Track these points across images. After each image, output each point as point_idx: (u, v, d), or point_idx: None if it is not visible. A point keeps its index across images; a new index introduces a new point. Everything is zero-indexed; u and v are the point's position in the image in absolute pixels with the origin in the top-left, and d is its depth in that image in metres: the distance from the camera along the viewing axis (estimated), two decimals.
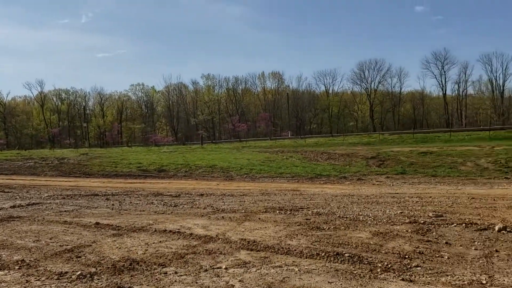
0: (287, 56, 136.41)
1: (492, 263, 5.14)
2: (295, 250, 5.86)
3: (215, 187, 15.66)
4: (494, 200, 10.66)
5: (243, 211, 9.38)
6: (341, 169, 20.96)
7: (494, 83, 79.26)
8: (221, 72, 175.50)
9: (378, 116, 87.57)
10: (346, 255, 5.54)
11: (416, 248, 5.86)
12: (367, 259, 5.38)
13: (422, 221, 7.70)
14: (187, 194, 13.27)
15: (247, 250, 5.92)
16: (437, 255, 5.50)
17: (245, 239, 6.51)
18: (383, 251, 5.73)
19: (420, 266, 5.04)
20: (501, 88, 78.82)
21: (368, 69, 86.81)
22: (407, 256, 5.46)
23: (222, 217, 8.65)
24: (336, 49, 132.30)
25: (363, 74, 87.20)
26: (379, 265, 5.13)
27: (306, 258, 5.52)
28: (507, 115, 74.45)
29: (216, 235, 6.83)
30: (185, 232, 7.14)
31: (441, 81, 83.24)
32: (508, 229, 6.85)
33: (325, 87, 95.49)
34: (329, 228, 7.31)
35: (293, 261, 5.36)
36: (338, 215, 8.55)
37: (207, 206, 10.29)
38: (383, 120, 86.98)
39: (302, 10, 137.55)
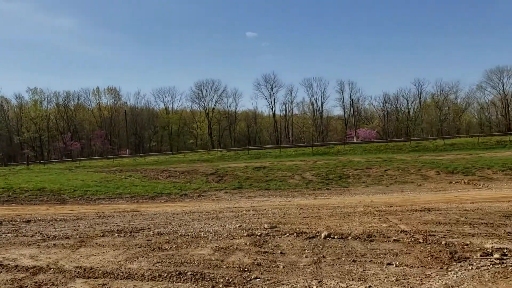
0: (124, 72, 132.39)
1: (321, 269, 5.69)
2: (136, 273, 5.66)
3: (44, 212, 14.22)
4: (319, 209, 11.84)
5: (77, 236, 8.71)
6: (182, 187, 21.00)
7: (315, 105, 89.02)
8: (51, 86, 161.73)
9: (216, 133, 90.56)
10: (189, 273, 5.55)
11: (255, 260, 6.17)
12: (209, 275, 5.47)
13: (259, 233, 8.14)
14: (11, 221, 11.79)
15: (83, 278, 5.52)
16: (274, 265, 5.88)
17: (81, 267, 6.05)
18: (224, 266, 5.90)
19: (259, 278, 5.32)
20: (320, 109, 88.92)
21: (206, 88, 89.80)
22: (246, 269, 5.71)
23: (54, 244, 7.91)
24: (174, 68, 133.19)
25: (201, 93, 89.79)
26: (221, 280, 5.26)
27: (148, 280, 5.38)
28: (325, 133, 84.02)
29: (47, 265, 6.21)
30: (9, 264, 6.33)
31: (271, 102, 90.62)
32: (332, 236, 7.68)
33: (165, 104, 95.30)
34: (171, 247, 7.24)
35: (134, 285, 5.17)
36: (180, 234, 8.53)
37: (36, 233, 9.29)
38: (221, 137, 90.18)
39: (137, 27, 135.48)
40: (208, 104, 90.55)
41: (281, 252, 6.62)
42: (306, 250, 6.72)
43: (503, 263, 5.65)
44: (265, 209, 12.32)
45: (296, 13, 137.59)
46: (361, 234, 7.76)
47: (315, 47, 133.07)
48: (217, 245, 7.24)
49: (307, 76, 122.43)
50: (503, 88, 78.96)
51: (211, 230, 8.73)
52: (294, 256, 6.41)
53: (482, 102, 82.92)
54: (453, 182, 19.86)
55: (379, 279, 5.15)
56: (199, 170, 26.89)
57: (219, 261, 6.18)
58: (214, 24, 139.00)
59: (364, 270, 5.53)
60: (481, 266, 5.53)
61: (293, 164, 27.32)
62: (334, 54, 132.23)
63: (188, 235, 8.36)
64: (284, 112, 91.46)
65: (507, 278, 5.01)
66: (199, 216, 11.35)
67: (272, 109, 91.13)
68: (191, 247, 7.20)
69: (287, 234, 8.02)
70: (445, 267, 5.55)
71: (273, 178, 22.93)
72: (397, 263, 5.82)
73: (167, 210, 13.42)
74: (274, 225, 9.10)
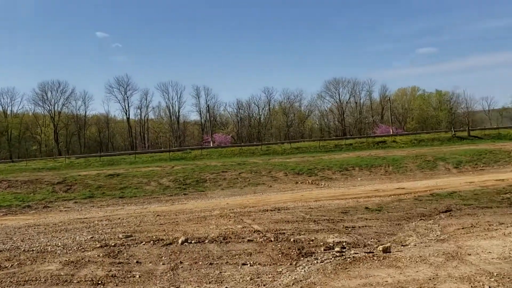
0: None
1: (178, 275, 5.73)
2: None
3: None
4: (176, 215, 11.84)
5: None
6: (24, 198, 19.07)
7: (171, 109, 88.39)
8: None
9: (64, 139, 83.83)
10: None
11: (109, 271, 5.94)
12: None
13: (113, 244, 7.85)
14: None
15: None
16: (129, 276, 5.74)
17: None
18: (75, 281, 5.57)
19: None
20: (177, 114, 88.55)
21: (51, 90, 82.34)
22: (100, 282, 5.47)
23: None
24: (14, 67, 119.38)
25: (45, 95, 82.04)
26: None
27: None
28: (183, 138, 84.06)
29: None
30: None
31: (125, 106, 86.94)
32: (189, 241, 7.76)
33: (2, 107, 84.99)
34: (12, 265, 6.58)
35: None
36: (23, 249, 7.78)
37: None
38: (69, 143, 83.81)
39: None
40: (54, 107, 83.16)
41: (137, 262, 6.48)
42: (163, 257, 6.69)
43: (342, 255, 6.37)
44: (119, 218, 11.89)
45: (150, 15, 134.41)
46: (218, 237, 8.00)
47: (170, 51, 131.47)
48: (67, 259, 6.79)
49: (162, 80, 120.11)
50: (339, 97, 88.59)
51: (59, 244, 8.14)
52: (150, 264, 6.33)
53: (322, 110, 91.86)
54: (299, 182, 21.55)
55: (235, 280, 5.39)
56: (44, 179, 24.68)
57: (69, 275, 5.81)
58: (60, 21, 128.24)
59: (220, 272, 5.73)
60: (325, 260, 6.16)
61: (149, 170, 26.73)
62: (189, 59, 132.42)
63: (33, 250, 7.68)
64: (139, 116, 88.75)
65: (346, 269, 5.66)
66: (45, 229, 10.48)
67: (126, 114, 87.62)
68: (37, 263, 6.63)
69: (143, 243, 7.88)
70: (294, 263, 6.05)
71: (128, 185, 22.16)
72: (251, 262, 6.15)
73: (7, 224, 12.11)
74: (129, 234, 8.85)
